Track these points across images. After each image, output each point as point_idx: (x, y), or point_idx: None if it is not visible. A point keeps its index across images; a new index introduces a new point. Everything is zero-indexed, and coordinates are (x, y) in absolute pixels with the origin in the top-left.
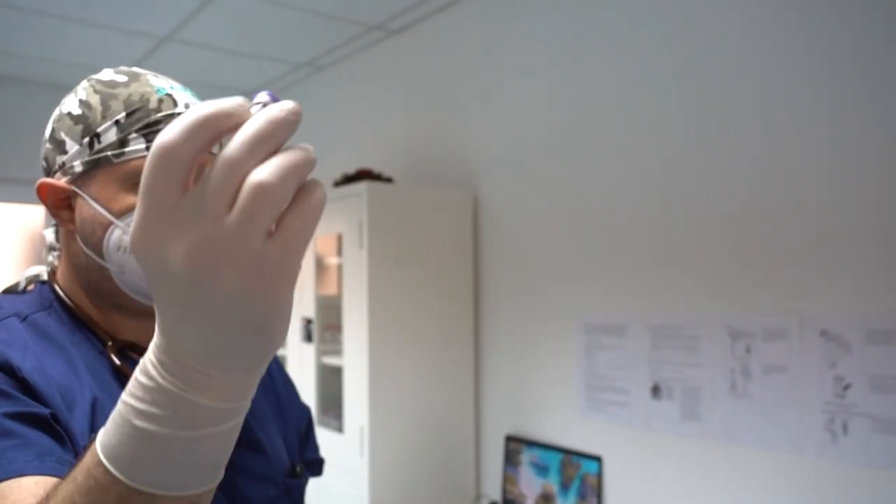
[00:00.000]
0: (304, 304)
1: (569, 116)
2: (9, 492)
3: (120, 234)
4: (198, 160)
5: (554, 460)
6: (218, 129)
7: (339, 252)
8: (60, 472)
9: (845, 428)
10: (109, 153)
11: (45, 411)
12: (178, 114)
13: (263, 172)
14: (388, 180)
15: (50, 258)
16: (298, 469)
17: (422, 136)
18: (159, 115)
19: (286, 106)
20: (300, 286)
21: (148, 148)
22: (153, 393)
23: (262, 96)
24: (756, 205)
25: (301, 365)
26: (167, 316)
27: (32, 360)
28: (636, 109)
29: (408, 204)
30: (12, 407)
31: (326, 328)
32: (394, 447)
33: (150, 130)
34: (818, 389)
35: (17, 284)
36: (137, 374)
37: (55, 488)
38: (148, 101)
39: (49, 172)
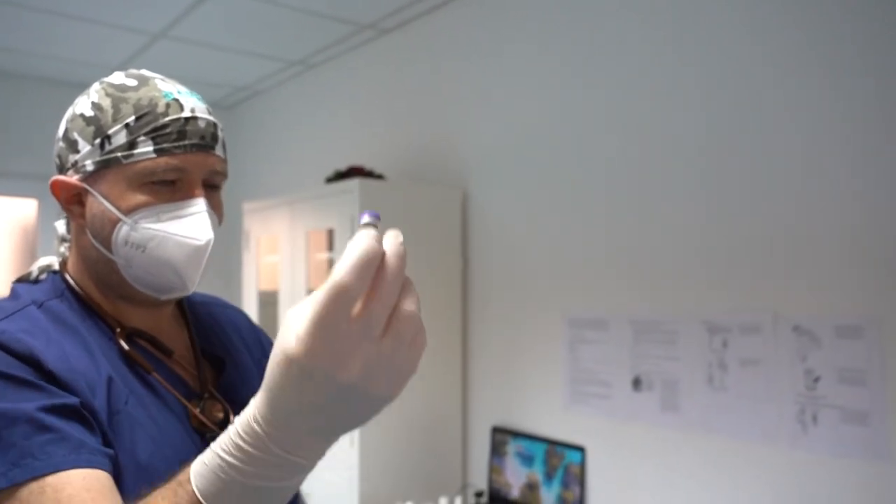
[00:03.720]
0: (295, 298)
1: (557, 116)
2: (60, 486)
3: (127, 230)
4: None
5: (539, 451)
6: (374, 268)
7: (331, 247)
8: (94, 462)
9: (815, 419)
10: (119, 154)
11: (75, 400)
12: (185, 118)
13: (411, 305)
14: (380, 177)
15: (62, 249)
16: None
17: (413, 134)
18: (166, 119)
19: (399, 239)
20: (292, 280)
21: (155, 151)
22: (262, 460)
23: (367, 218)
24: (733, 208)
25: None
26: (305, 405)
27: (55, 349)
28: (623, 110)
29: (398, 200)
30: (45, 400)
31: None
32: (383, 438)
33: (157, 134)
34: (790, 382)
35: (29, 274)
36: (240, 440)
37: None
38: (156, 105)
39: (62, 170)
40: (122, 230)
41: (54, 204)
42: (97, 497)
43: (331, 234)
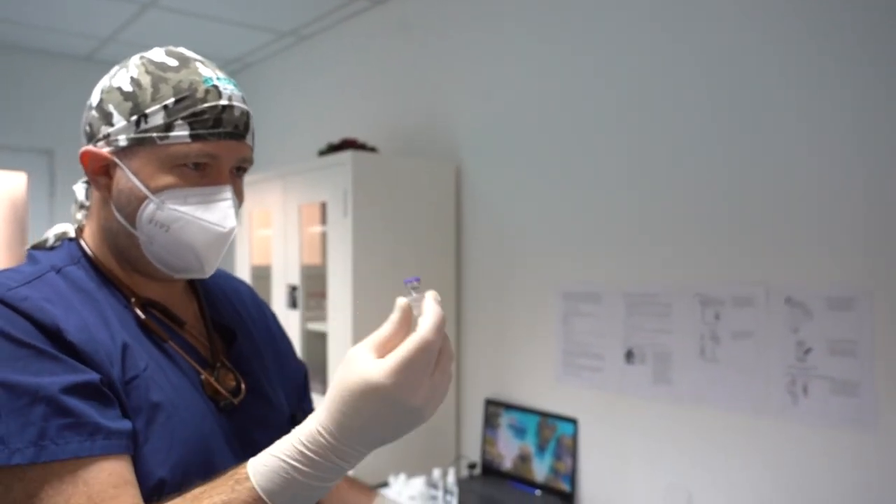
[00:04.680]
0: (288, 272)
1: (550, 89)
2: (85, 475)
3: (154, 208)
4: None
5: (531, 423)
6: (444, 327)
7: (324, 220)
8: (109, 448)
9: (805, 390)
10: (154, 135)
11: (95, 377)
12: (222, 106)
13: (451, 349)
14: (373, 150)
15: (79, 216)
16: (299, 418)
17: (406, 107)
18: (204, 105)
19: (439, 298)
20: (285, 254)
21: (191, 136)
22: (322, 465)
23: (414, 283)
24: (727, 180)
25: (286, 330)
26: (372, 424)
27: (76, 318)
28: (616, 83)
29: (392, 174)
30: (65, 376)
31: (311, 295)
32: None
33: (194, 119)
34: (781, 354)
35: (45, 240)
36: (304, 447)
37: (196, 494)
38: (195, 90)
39: (91, 139)
40: (149, 208)
41: (43, 177)
42: (121, 493)
43: (324, 207)
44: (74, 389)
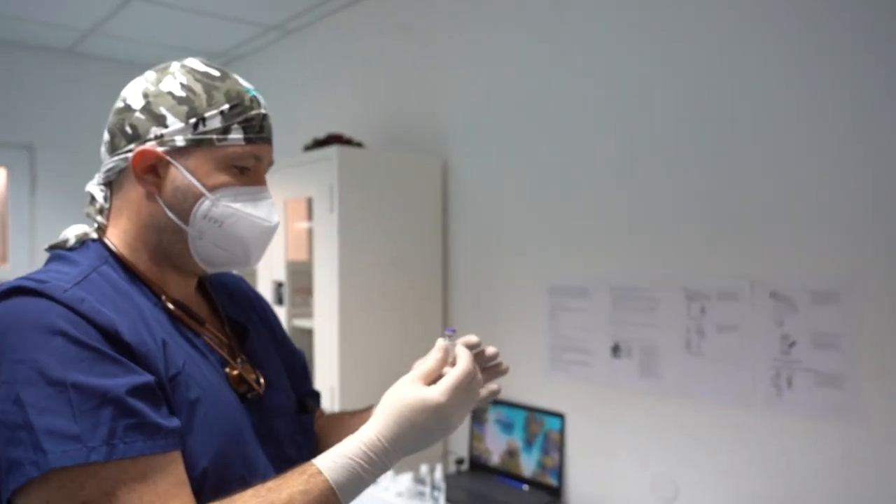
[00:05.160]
0: (274, 268)
1: (538, 84)
2: (153, 473)
3: (209, 205)
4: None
5: (519, 418)
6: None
7: (310, 216)
8: (167, 447)
9: (790, 382)
10: (213, 137)
11: (150, 378)
12: (263, 114)
13: (479, 374)
14: (359, 145)
15: (99, 218)
16: (309, 404)
17: (392, 102)
18: (252, 112)
19: (473, 341)
20: (271, 251)
21: (244, 139)
22: (377, 464)
23: (450, 333)
24: (713, 176)
25: None
26: (420, 434)
27: (127, 320)
28: (603, 78)
29: (378, 169)
30: (127, 378)
31: (297, 291)
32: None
33: (246, 124)
34: (766, 347)
35: (65, 241)
36: (368, 450)
37: (270, 487)
38: (243, 98)
39: (133, 139)
40: (204, 205)
41: (23, 173)
42: (180, 488)
43: (310, 202)
44: (136, 391)
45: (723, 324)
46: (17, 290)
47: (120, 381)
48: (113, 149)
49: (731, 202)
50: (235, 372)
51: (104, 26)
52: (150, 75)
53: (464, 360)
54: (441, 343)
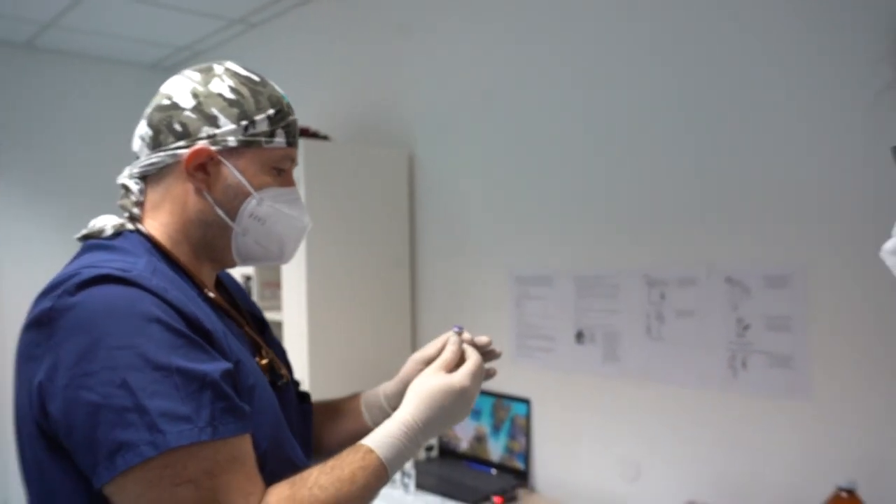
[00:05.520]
0: None
1: (501, 78)
2: (241, 453)
3: (255, 204)
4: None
5: (486, 404)
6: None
7: None
8: (248, 428)
9: (744, 364)
10: (262, 139)
11: (231, 365)
12: (296, 119)
13: (484, 363)
14: (325, 138)
15: (135, 210)
16: (306, 394)
17: (359, 96)
18: (289, 118)
19: (483, 341)
20: None
21: (287, 142)
22: (415, 441)
23: (458, 329)
24: (670, 167)
25: None
26: (446, 416)
27: (195, 307)
28: (565, 74)
29: (345, 162)
30: (217, 364)
31: (266, 285)
32: (337, 393)
33: (287, 129)
34: (722, 330)
35: (101, 230)
36: (408, 430)
37: (332, 465)
38: (282, 104)
39: (182, 137)
40: (251, 203)
41: None
42: (257, 468)
43: None
44: (225, 376)
45: (681, 309)
46: (104, 278)
47: (212, 366)
48: (157, 144)
49: (688, 193)
50: (265, 361)
51: (63, 19)
52: (193, 76)
53: (473, 351)
54: (454, 338)
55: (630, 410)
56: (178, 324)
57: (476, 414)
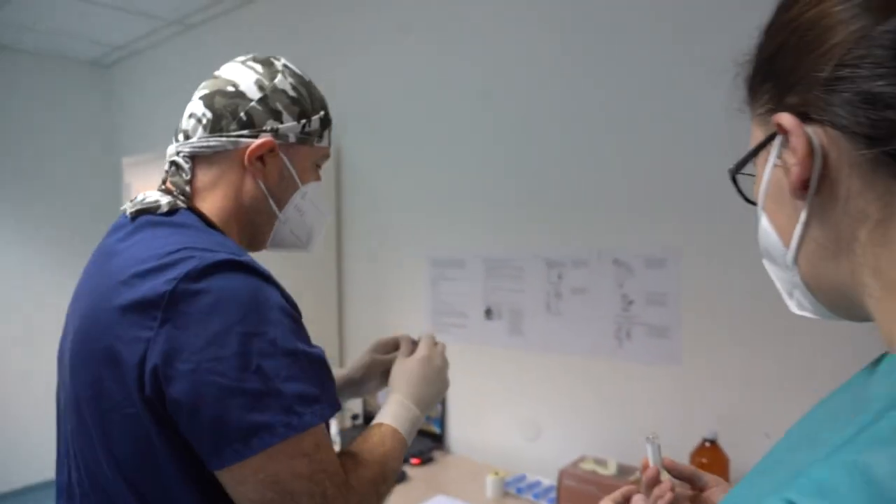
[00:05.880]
0: None
1: (422, 74)
2: (328, 428)
3: (300, 197)
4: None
5: None
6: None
7: None
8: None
9: (629, 335)
10: (314, 138)
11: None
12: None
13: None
14: None
15: (187, 188)
16: None
17: None
18: (331, 120)
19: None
20: None
21: (329, 143)
22: (416, 417)
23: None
24: (566, 164)
25: None
26: (430, 388)
27: None
28: (478, 72)
29: None
30: (318, 346)
31: None
32: None
33: (329, 130)
34: (610, 306)
35: (157, 206)
36: (406, 413)
37: (363, 438)
38: (327, 107)
39: (248, 126)
40: (297, 196)
41: None
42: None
43: None
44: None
45: (576, 287)
46: (225, 265)
47: (319, 348)
48: (218, 129)
49: (580, 184)
50: None
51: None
52: (256, 67)
53: (427, 335)
54: (403, 334)
55: (532, 378)
56: (291, 308)
57: None
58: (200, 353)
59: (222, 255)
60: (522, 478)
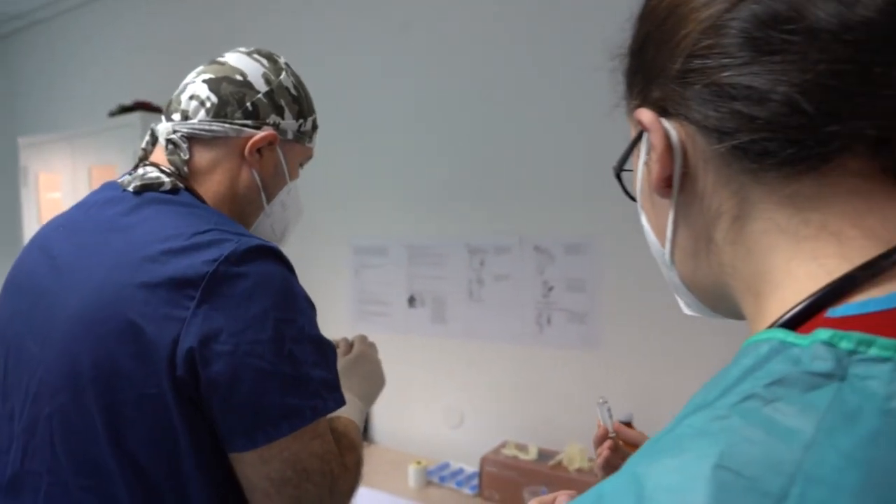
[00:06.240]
0: None
1: (340, 60)
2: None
3: (286, 192)
4: None
5: None
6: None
7: None
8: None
9: (549, 320)
10: (307, 137)
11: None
12: None
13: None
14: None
15: (186, 169)
16: None
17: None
18: (317, 123)
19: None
20: None
21: (314, 145)
22: (360, 409)
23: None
24: (487, 152)
25: None
26: (368, 379)
27: None
28: (399, 59)
29: None
30: (330, 340)
31: None
32: None
33: (315, 133)
34: (531, 292)
35: (160, 182)
36: (356, 402)
37: (357, 429)
38: (315, 110)
39: (253, 116)
40: (284, 191)
41: None
42: None
43: (116, 170)
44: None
45: (498, 274)
46: (261, 251)
47: (330, 340)
48: (222, 114)
49: (502, 173)
50: None
51: None
52: (262, 60)
53: (359, 337)
54: (339, 338)
55: (455, 365)
56: (310, 298)
57: None
58: (239, 335)
59: (257, 241)
60: (446, 466)
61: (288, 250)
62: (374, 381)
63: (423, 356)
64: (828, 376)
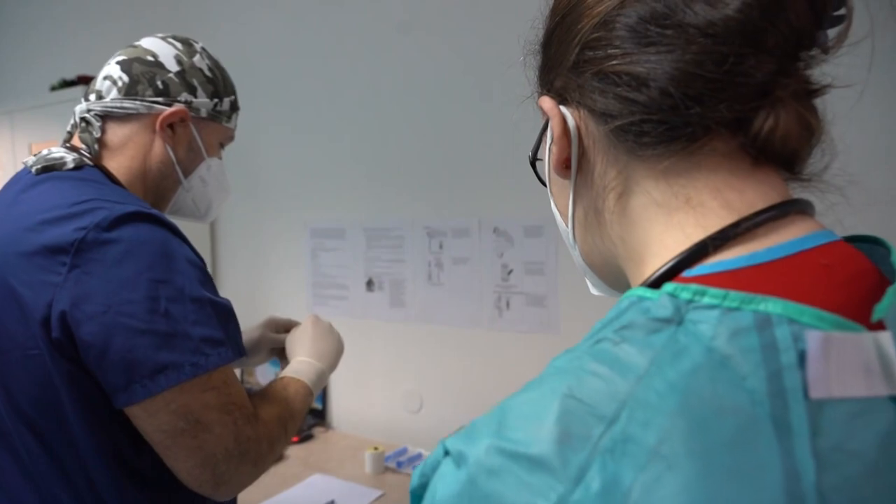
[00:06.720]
0: None
1: (297, 40)
2: (233, 371)
3: (205, 168)
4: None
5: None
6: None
7: None
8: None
9: (508, 304)
10: (224, 117)
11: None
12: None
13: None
14: None
15: (96, 146)
16: None
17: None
18: (238, 105)
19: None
20: None
21: (234, 125)
22: (319, 370)
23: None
24: (445, 132)
25: None
26: (325, 346)
27: None
28: (350, 38)
29: None
30: (225, 297)
31: None
32: None
33: (237, 115)
34: (491, 275)
35: (62, 162)
36: (312, 363)
37: (271, 384)
38: (236, 93)
39: (164, 94)
40: (203, 167)
41: None
42: None
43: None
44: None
45: (457, 257)
46: (134, 216)
47: (225, 298)
48: (133, 93)
49: (461, 155)
50: None
51: None
52: (176, 44)
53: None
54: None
55: (414, 350)
56: (198, 260)
57: (276, 362)
58: (110, 297)
59: (132, 207)
60: (403, 451)
61: (243, 232)
62: (329, 341)
63: (382, 340)
64: (667, 321)
